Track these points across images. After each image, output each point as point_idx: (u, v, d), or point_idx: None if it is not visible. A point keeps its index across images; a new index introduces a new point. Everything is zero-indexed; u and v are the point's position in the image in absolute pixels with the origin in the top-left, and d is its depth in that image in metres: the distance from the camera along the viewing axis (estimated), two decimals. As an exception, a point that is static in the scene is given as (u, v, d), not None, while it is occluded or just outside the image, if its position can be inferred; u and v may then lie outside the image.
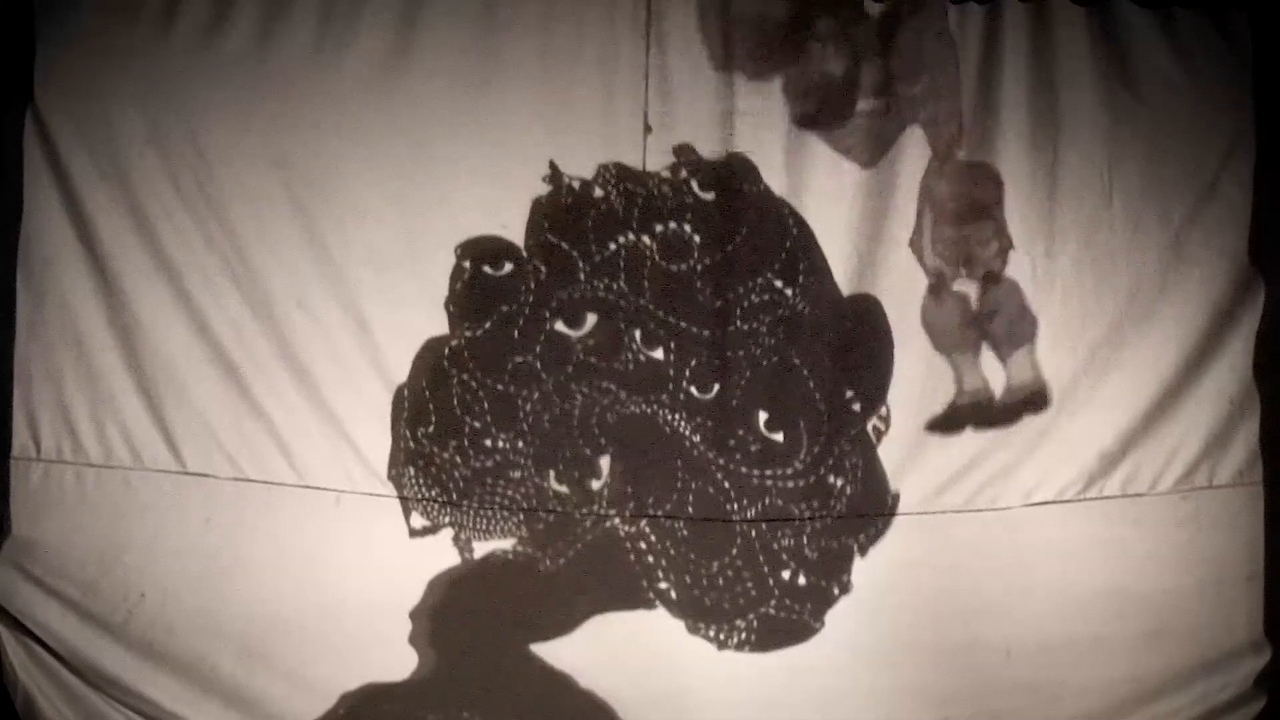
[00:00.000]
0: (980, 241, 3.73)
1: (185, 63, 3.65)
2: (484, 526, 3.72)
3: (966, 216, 3.74)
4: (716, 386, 3.75)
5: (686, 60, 3.74)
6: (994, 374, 3.78)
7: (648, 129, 3.73)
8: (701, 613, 3.74)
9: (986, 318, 3.76)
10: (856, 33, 3.74)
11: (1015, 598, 3.74)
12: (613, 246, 3.74)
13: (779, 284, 3.74)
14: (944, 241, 3.73)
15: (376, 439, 3.69)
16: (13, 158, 3.62)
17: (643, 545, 3.74)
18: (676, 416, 3.74)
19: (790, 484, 3.75)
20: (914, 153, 3.75)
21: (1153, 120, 3.78)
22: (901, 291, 3.78)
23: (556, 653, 3.71)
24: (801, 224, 3.75)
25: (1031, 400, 3.75)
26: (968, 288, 3.76)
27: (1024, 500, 3.77)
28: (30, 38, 3.63)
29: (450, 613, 3.69)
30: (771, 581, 3.74)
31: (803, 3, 3.74)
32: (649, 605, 3.74)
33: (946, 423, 3.76)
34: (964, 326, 3.76)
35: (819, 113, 3.74)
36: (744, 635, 3.74)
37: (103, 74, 3.63)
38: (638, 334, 3.74)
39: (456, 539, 3.71)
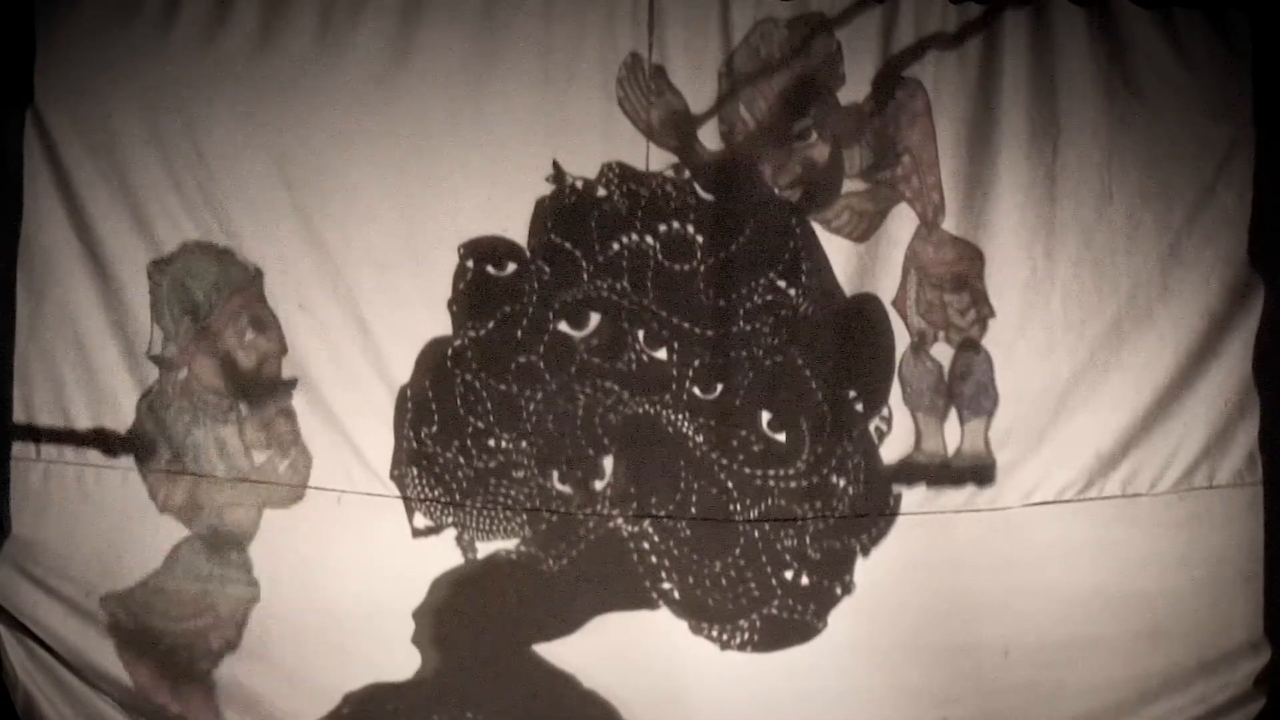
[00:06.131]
0: (959, 310, 3.75)
1: (185, 63, 3.64)
2: (487, 527, 3.72)
3: (947, 285, 3.75)
4: (719, 387, 3.75)
5: (688, 59, 3.74)
6: (954, 436, 3.78)
7: (650, 129, 3.74)
8: (704, 613, 3.73)
9: (959, 378, 3.77)
10: (834, 123, 3.74)
11: (1015, 598, 3.73)
12: (616, 247, 3.73)
13: (782, 284, 3.74)
14: (927, 304, 3.75)
15: (378, 439, 3.69)
16: (13, 158, 3.62)
17: (645, 545, 3.74)
18: (679, 417, 3.74)
19: (793, 484, 3.74)
20: (902, 224, 3.76)
21: (1153, 120, 3.76)
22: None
23: (559, 653, 3.71)
24: (804, 224, 3.75)
25: (976, 473, 3.76)
26: (945, 355, 3.77)
27: (1024, 500, 3.75)
28: (30, 38, 3.63)
29: (453, 613, 3.69)
30: (774, 582, 3.74)
31: (780, 101, 3.74)
32: (652, 605, 3.74)
33: (900, 475, 3.77)
34: (935, 393, 3.77)
35: (804, 199, 3.75)
36: (747, 635, 3.73)
37: (103, 74, 3.63)
38: (641, 334, 3.74)
39: (459, 539, 3.71)
